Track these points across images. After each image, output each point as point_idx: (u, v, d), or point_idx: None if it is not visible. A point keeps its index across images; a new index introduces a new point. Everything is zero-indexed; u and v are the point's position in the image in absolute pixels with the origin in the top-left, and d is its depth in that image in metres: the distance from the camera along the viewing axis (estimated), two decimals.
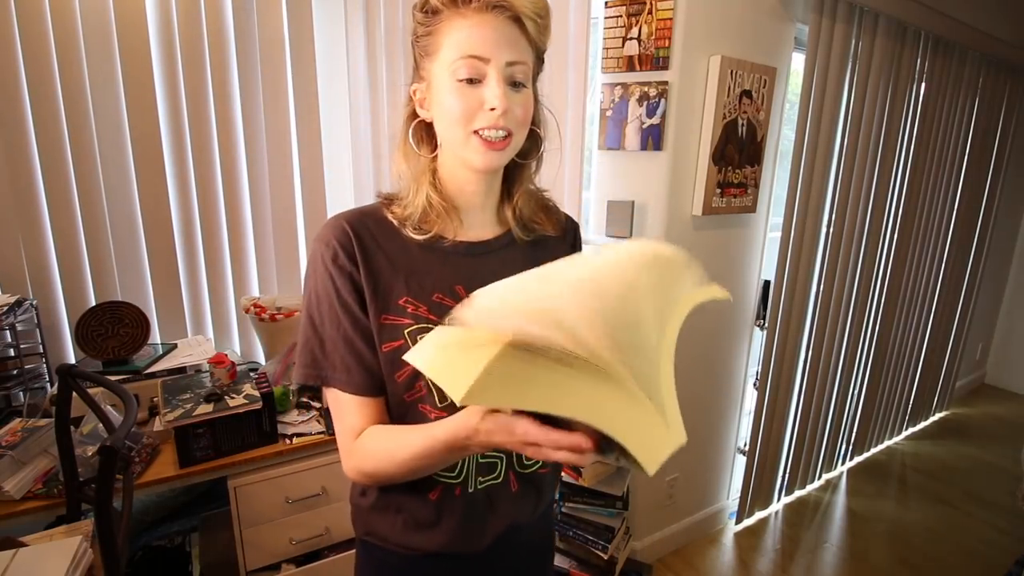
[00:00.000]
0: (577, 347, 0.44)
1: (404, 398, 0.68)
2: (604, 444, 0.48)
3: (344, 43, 1.59)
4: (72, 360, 1.47)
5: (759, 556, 2.19)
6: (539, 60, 0.69)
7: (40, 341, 1.39)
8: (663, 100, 1.63)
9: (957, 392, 3.61)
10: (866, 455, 2.94)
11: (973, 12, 2.54)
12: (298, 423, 1.40)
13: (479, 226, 0.74)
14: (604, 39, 1.70)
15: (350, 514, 0.79)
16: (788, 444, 2.40)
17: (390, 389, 0.68)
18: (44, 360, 1.39)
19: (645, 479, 1.96)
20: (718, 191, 1.79)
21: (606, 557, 1.71)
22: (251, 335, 1.68)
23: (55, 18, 1.31)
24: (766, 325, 2.13)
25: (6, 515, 1.06)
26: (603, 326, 0.45)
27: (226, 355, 1.35)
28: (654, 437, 0.47)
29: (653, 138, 1.67)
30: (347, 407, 0.67)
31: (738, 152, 1.81)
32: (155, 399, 1.39)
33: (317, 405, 1.47)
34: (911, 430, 3.25)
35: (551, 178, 1.06)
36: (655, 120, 1.66)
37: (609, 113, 1.74)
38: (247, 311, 1.57)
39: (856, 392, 2.68)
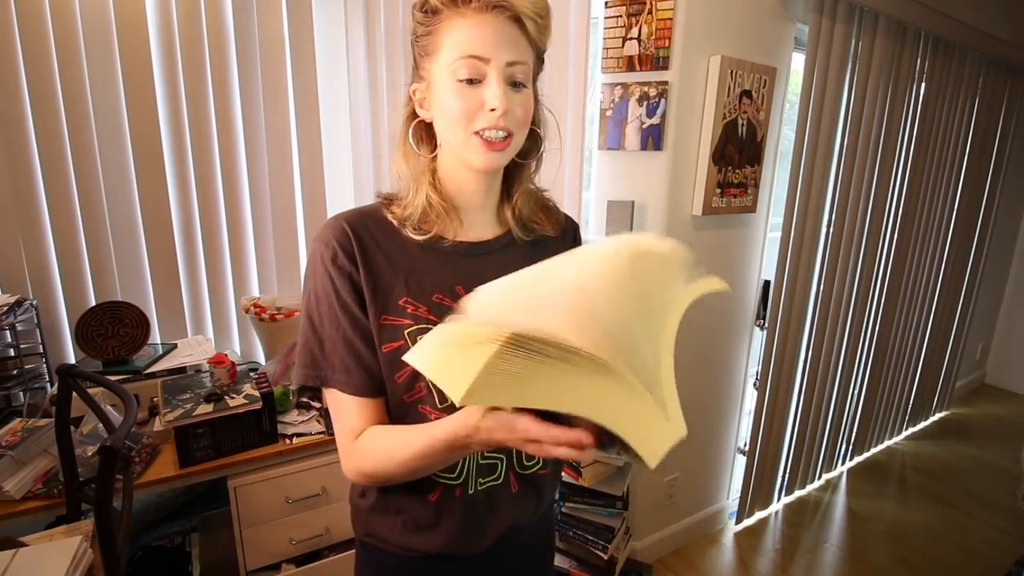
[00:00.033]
0: (576, 342, 0.44)
1: (404, 399, 0.67)
2: (605, 439, 0.48)
3: (344, 43, 1.59)
4: (72, 360, 1.47)
5: (759, 556, 2.19)
6: (539, 60, 0.69)
7: (40, 341, 1.39)
8: (663, 100, 1.63)
9: (957, 392, 3.61)
10: (866, 455, 2.94)
11: (973, 12, 2.54)
12: (298, 423, 1.40)
13: (479, 226, 0.74)
14: (604, 39, 1.70)
15: (350, 515, 0.79)
16: (788, 444, 2.40)
17: (390, 390, 0.68)
18: (44, 360, 1.39)
19: (645, 478, 1.96)
20: (718, 191, 1.79)
21: (606, 557, 1.71)
22: (251, 335, 1.68)
23: (55, 18, 1.31)
24: (766, 325, 2.13)
25: (6, 515, 1.06)
26: (600, 321, 0.45)
27: (226, 355, 1.35)
28: (655, 430, 0.47)
29: (653, 138, 1.67)
30: (346, 408, 0.67)
31: (738, 152, 1.81)
32: (155, 399, 1.39)
33: (317, 405, 1.47)
34: (911, 430, 3.25)
35: (551, 178, 1.06)
36: (655, 120, 1.66)
37: (609, 113, 1.74)
38: (247, 311, 1.57)
39: (856, 392, 2.68)
